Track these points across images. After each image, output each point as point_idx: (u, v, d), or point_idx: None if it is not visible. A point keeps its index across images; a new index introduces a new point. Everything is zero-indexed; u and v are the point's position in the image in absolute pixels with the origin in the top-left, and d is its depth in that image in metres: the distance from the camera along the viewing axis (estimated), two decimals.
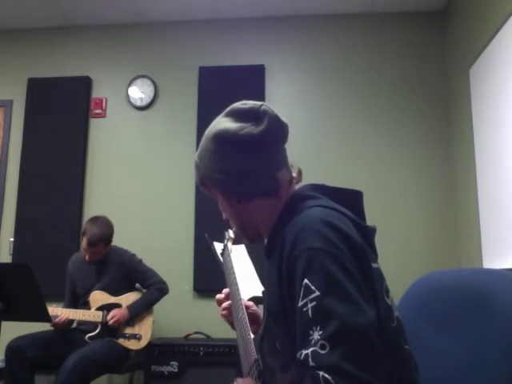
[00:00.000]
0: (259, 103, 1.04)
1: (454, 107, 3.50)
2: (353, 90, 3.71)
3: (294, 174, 1.09)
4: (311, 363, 0.77)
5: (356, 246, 0.89)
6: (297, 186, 1.09)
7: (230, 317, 1.28)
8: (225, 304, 1.29)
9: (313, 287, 0.82)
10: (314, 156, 3.59)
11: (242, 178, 1.02)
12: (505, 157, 2.63)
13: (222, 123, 1.05)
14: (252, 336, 1.13)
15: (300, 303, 0.83)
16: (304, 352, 0.79)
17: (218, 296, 1.31)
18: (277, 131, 1.04)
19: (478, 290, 1.08)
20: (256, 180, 1.03)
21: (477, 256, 3.00)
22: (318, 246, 0.85)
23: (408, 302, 1.25)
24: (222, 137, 1.03)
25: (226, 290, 1.31)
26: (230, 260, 1.34)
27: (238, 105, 1.07)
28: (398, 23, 3.76)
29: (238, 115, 1.04)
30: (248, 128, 1.01)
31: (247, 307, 1.27)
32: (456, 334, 1.09)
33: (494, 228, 2.77)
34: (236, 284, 1.25)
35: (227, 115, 1.07)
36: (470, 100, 3.13)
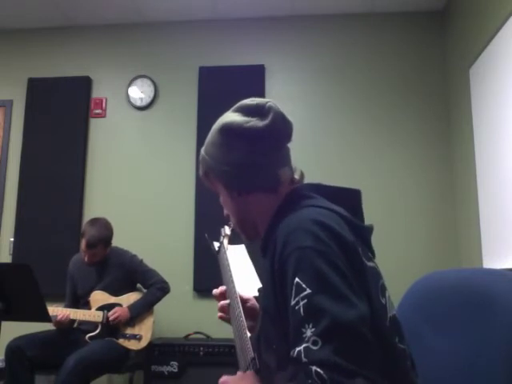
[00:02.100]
0: (266, 100, 1.08)
1: (454, 107, 3.50)
2: (353, 90, 3.71)
3: (297, 176, 1.10)
4: (304, 359, 0.78)
5: (347, 244, 0.89)
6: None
7: (227, 316, 1.28)
8: (221, 303, 1.28)
9: (304, 285, 0.83)
10: (313, 156, 3.59)
11: (244, 170, 1.05)
12: (505, 157, 2.63)
13: (229, 117, 1.09)
14: (249, 334, 1.13)
15: (292, 302, 0.84)
16: (297, 349, 0.80)
17: (215, 291, 1.32)
18: (281, 127, 1.06)
19: (478, 289, 1.08)
20: (257, 174, 1.05)
21: (477, 256, 3.00)
22: (309, 245, 0.86)
23: (408, 302, 1.25)
24: (227, 129, 1.06)
25: (222, 288, 1.31)
26: (226, 258, 1.34)
27: (246, 101, 1.10)
28: (398, 23, 3.76)
29: (244, 110, 1.08)
30: (252, 122, 1.05)
31: (246, 301, 1.27)
32: (456, 334, 1.09)
33: (494, 228, 2.77)
34: (232, 282, 1.24)
35: (235, 110, 1.10)
36: (470, 100, 3.13)
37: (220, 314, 1.28)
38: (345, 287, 0.82)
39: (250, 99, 1.10)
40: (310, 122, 3.67)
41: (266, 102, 1.06)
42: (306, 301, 0.81)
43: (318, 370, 0.75)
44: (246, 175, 1.05)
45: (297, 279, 0.84)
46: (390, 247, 3.36)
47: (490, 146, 2.84)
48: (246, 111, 1.07)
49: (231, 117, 1.08)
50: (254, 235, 1.13)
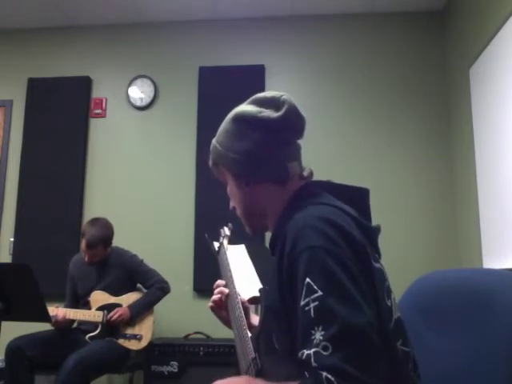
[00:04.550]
0: (281, 93, 1.08)
1: (454, 107, 3.50)
2: (353, 90, 3.71)
3: (305, 173, 1.11)
4: (314, 363, 0.77)
5: (356, 244, 0.89)
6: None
7: (217, 310, 1.28)
8: (215, 297, 1.28)
9: (315, 287, 0.82)
10: (313, 156, 3.57)
11: (254, 160, 1.05)
12: (505, 157, 2.62)
13: (243, 107, 1.10)
14: (249, 334, 1.12)
15: (302, 302, 0.83)
16: (306, 352, 0.79)
17: (218, 282, 1.31)
18: (294, 121, 1.07)
19: (478, 289, 1.08)
20: (266, 165, 1.05)
21: (477, 256, 3.00)
22: (320, 245, 0.85)
23: (407, 302, 1.25)
24: (240, 117, 1.07)
25: (223, 282, 1.31)
26: (226, 258, 1.34)
27: (261, 93, 1.11)
28: (398, 23, 3.76)
29: (259, 102, 1.09)
30: (266, 112, 1.05)
31: (245, 302, 1.27)
32: (456, 334, 1.09)
33: (494, 228, 2.77)
34: (232, 282, 1.24)
35: (250, 102, 1.11)
36: (469, 100, 3.13)
37: (211, 304, 1.27)
38: (355, 291, 0.82)
39: (267, 92, 1.11)
40: (310, 122, 3.60)
41: (281, 95, 1.07)
42: (317, 303, 0.81)
43: (329, 376, 0.75)
44: (255, 165, 1.05)
45: (308, 279, 0.83)
46: (390, 247, 3.33)
47: (490, 146, 2.84)
48: (261, 102, 1.08)
49: (245, 107, 1.09)
50: (260, 228, 1.13)
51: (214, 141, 1.14)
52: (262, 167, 1.05)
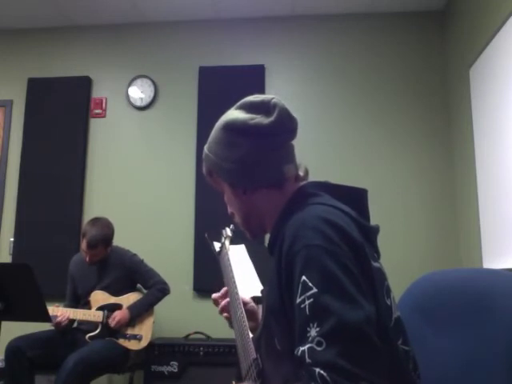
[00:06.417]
0: (270, 96, 1.06)
1: (454, 107, 3.50)
2: (353, 90, 3.71)
3: (301, 173, 1.10)
4: (308, 360, 0.77)
5: (355, 244, 0.89)
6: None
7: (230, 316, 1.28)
8: (223, 303, 1.28)
9: (310, 284, 0.82)
10: (313, 156, 3.59)
11: (249, 167, 1.03)
12: (505, 157, 2.62)
13: (232, 114, 1.07)
14: (251, 335, 1.12)
15: (298, 300, 0.83)
16: (301, 349, 0.79)
17: (214, 295, 1.31)
18: (286, 124, 1.05)
19: (478, 290, 1.08)
20: (262, 171, 1.04)
21: (477, 256, 3.01)
22: (317, 244, 0.85)
23: (407, 302, 1.25)
24: (231, 126, 1.05)
25: (223, 289, 1.31)
26: (228, 258, 1.34)
27: (249, 98, 1.09)
28: (398, 23, 3.76)
29: (248, 107, 1.06)
30: (258, 119, 1.03)
31: (245, 303, 1.27)
32: (456, 334, 1.09)
33: (494, 228, 2.77)
34: (234, 283, 1.24)
35: (238, 107, 1.09)
36: (469, 100, 3.13)
37: (224, 314, 1.28)
38: (352, 288, 0.82)
39: (254, 96, 1.08)
40: (310, 121, 3.67)
41: (271, 99, 1.05)
42: (312, 300, 0.81)
43: (322, 372, 0.74)
44: (250, 172, 1.04)
45: (304, 277, 0.83)
46: (390, 247, 3.35)
47: (489, 145, 2.84)
48: (251, 108, 1.06)
49: (235, 114, 1.06)
50: (260, 233, 1.13)
51: (205, 149, 1.11)
52: (257, 174, 1.04)
